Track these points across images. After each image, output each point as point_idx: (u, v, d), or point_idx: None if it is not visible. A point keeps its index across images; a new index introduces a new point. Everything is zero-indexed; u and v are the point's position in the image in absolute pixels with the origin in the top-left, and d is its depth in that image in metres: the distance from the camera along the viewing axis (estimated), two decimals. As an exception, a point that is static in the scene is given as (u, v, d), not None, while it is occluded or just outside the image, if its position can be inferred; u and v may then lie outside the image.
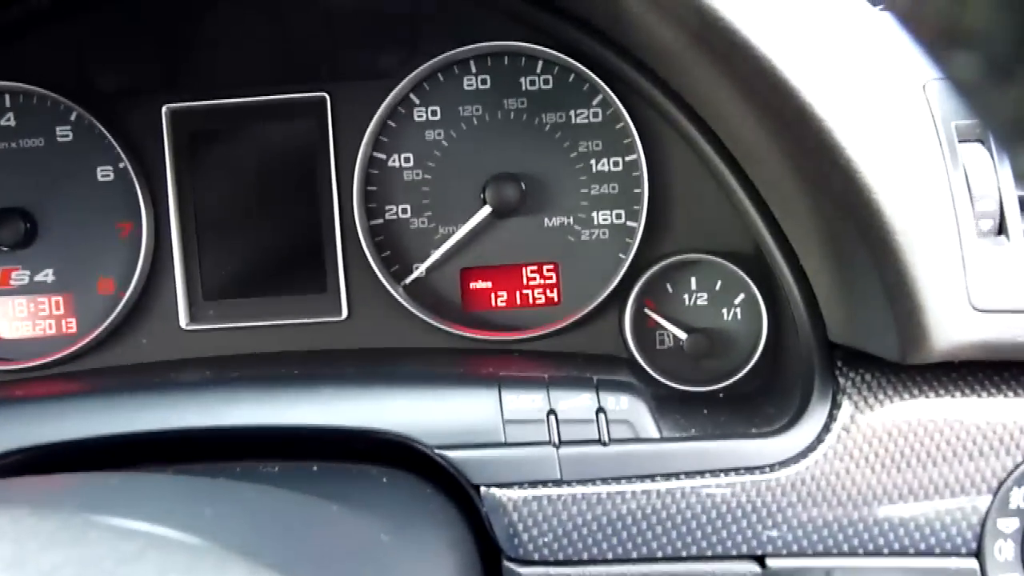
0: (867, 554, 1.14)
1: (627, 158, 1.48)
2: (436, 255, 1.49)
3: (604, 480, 1.16)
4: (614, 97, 1.43)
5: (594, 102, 1.48)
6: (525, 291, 1.51)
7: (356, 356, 1.48)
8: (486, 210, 1.47)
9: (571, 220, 1.50)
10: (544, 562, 1.15)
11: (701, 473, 1.16)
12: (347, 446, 1.17)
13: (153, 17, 1.51)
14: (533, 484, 1.16)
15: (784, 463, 1.16)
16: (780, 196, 1.24)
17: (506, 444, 1.17)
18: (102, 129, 1.48)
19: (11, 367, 1.51)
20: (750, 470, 1.16)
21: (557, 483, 1.16)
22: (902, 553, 1.14)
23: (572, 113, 1.48)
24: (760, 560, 1.15)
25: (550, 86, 1.48)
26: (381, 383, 1.25)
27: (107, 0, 1.49)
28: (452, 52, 1.45)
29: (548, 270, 1.51)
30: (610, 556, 1.15)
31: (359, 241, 1.48)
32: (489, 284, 1.52)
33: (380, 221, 1.51)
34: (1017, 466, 1.14)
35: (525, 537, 1.15)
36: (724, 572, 1.15)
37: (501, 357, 1.45)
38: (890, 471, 1.14)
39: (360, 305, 1.51)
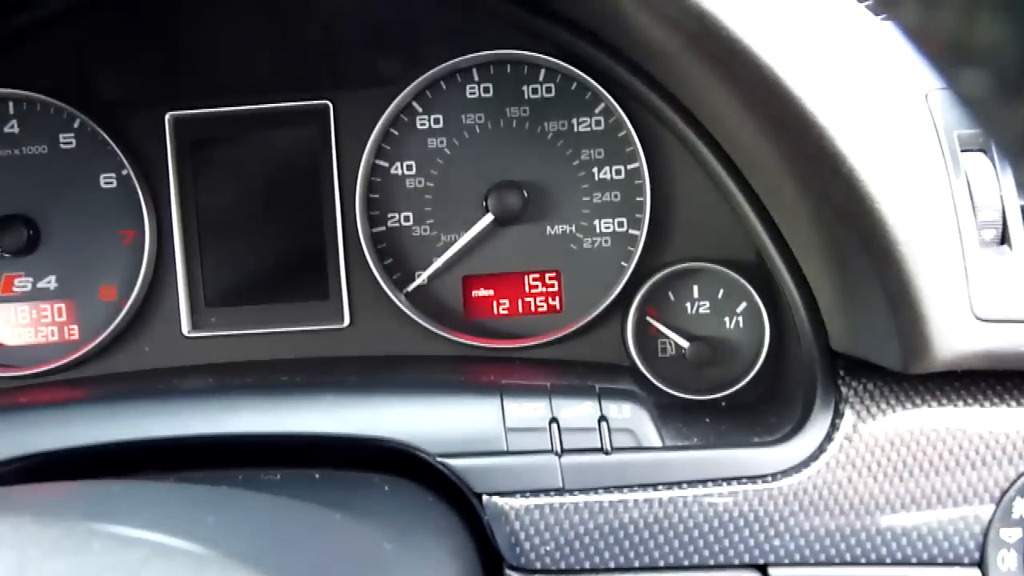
0: (869, 563, 1.14)
1: (629, 166, 1.48)
2: (438, 263, 1.49)
3: (606, 489, 1.16)
4: (616, 105, 1.44)
5: (596, 110, 1.48)
6: (527, 299, 1.51)
7: (358, 363, 1.48)
8: (488, 218, 1.47)
9: (573, 228, 1.50)
10: (546, 571, 1.15)
11: (703, 482, 1.16)
12: (349, 454, 1.17)
13: (156, 25, 1.52)
14: (535, 493, 1.16)
15: (786, 472, 1.16)
16: (782, 205, 1.24)
17: (508, 452, 1.16)
18: (105, 136, 1.48)
19: (13, 374, 1.51)
20: (752, 479, 1.16)
21: (559, 492, 1.16)
22: (905, 563, 1.14)
23: (574, 121, 1.49)
24: (762, 569, 1.15)
25: (552, 94, 1.49)
26: (383, 391, 1.25)
27: (111, 8, 1.50)
28: (455, 60, 1.45)
29: (550, 278, 1.51)
30: (612, 565, 1.15)
31: (361, 248, 1.48)
32: (491, 292, 1.52)
33: (382, 229, 1.51)
34: (1020, 476, 1.14)
35: (527, 546, 1.15)
36: (726, 581, 1.15)
37: (503, 365, 1.45)
38: (892, 480, 1.14)
39: (362, 312, 1.51)
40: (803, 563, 1.14)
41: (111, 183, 1.53)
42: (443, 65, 1.45)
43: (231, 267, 1.53)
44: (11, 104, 1.52)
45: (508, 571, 1.15)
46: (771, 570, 1.15)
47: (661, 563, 1.15)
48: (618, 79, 1.39)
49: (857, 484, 1.14)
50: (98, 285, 1.54)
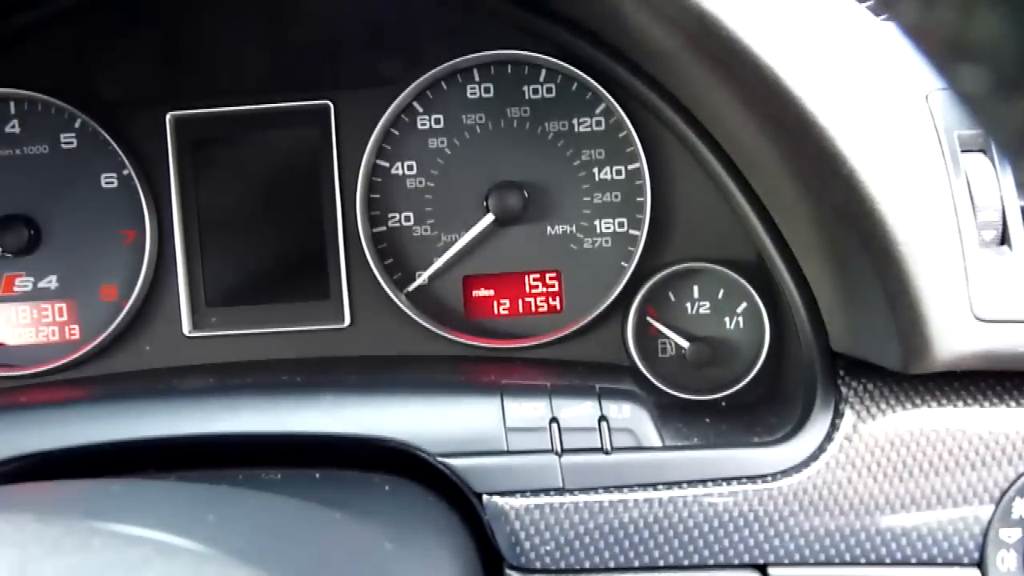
0: (869, 563, 1.14)
1: (630, 167, 1.48)
2: (439, 263, 1.50)
3: (606, 489, 1.16)
4: (617, 106, 1.44)
5: (597, 110, 1.48)
6: (527, 299, 1.52)
7: (358, 363, 1.49)
8: (489, 218, 1.48)
9: (574, 228, 1.50)
10: (546, 570, 1.15)
11: (703, 482, 1.16)
12: (350, 454, 1.17)
13: (157, 25, 1.52)
14: (535, 492, 1.16)
15: (786, 472, 1.16)
16: (782, 205, 1.24)
17: (508, 452, 1.17)
18: (106, 136, 1.48)
19: (14, 373, 1.51)
20: (752, 479, 1.16)
21: (559, 491, 1.16)
22: (904, 563, 1.14)
23: (575, 121, 1.49)
24: (762, 569, 1.15)
25: (553, 94, 1.49)
26: (383, 391, 1.25)
27: (111, 7, 1.50)
28: (455, 60, 1.46)
29: (551, 278, 1.51)
30: (612, 565, 1.15)
31: (362, 248, 1.48)
32: (491, 292, 1.52)
33: (383, 229, 1.52)
34: (1019, 476, 1.14)
35: (527, 545, 1.15)
36: (726, 581, 1.15)
37: (503, 365, 1.45)
38: (892, 480, 1.14)
39: (363, 312, 1.51)
40: (803, 563, 1.15)
41: (112, 183, 1.53)
42: (444, 65, 1.46)
43: (232, 267, 1.53)
44: (12, 104, 1.53)
45: (508, 571, 1.15)
46: (771, 570, 1.15)
47: (661, 563, 1.15)
48: (618, 79, 1.40)
49: (857, 484, 1.15)
50: (99, 285, 1.54)
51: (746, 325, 1.46)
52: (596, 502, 1.15)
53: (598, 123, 1.49)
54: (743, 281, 1.42)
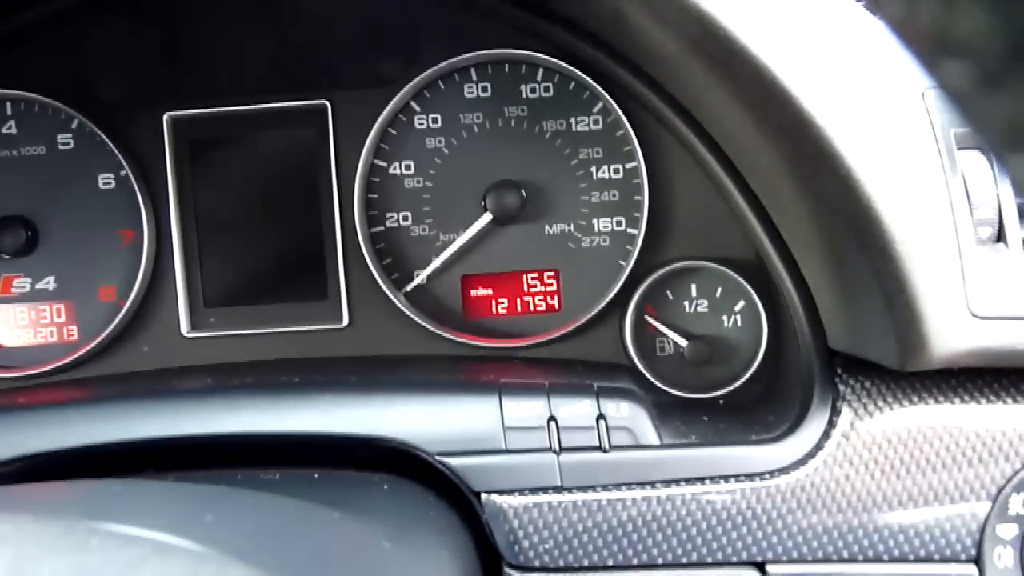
0: (867, 560, 1.15)
1: (627, 165, 1.49)
2: (437, 262, 1.50)
3: (604, 487, 1.16)
4: (614, 104, 1.44)
5: (594, 109, 1.48)
6: (526, 298, 1.52)
7: (357, 363, 1.49)
8: (487, 217, 1.48)
9: (572, 227, 1.50)
10: (545, 569, 1.16)
11: (701, 480, 1.16)
12: (348, 453, 1.18)
13: (155, 25, 1.52)
14: (534, 491, 1.16)
15: (784, 470, 1.16)
16: (779, 204, 1.24)
17: (507, 451, 1.17)
18: (103, 137, 1.49)
19: (12, 375, 1.51)
20: (750, 477, 1.16)
21: (558, 490, 1.16)
22: (902, 559, 1.14)
23: (572, 120, 1.49)
24: (760, 567, 1.15)
25: (550, 94, 1.49)
26: (382, 390, 1.25)
27: (109, 8, 1.50)
28: (453, 60, 1.46)
29: (549, 277, 1.51)
30: (610, 563, 1.15)
31: (360, 248, 1.48)
32: (490, 291, 1.52)
33: (381, 228, 1.52)
34: (1016, 472, 1.14)
35: (526, 544, 1.15)
36: (724, 579, 1.15)
37: (502, 364, 1.46)
38: (890, 478, 1.15)
39: (361, 312, 1.52)
40: (801, 560, 1.15)
41: (109, 184, 1.53)
42: (441, 65, 1.46)
43: (230, 267, 1.53)
44: (9, 105, 1.53)
45: (507, 569, 1.16)
46: (769, 567, 1.15)
47: (659, 561, 1.15)
48: (616, 79, 1.40)
49: (855, 481, 1.15)
50: (97, 286, 1.54)
51: (744, 324, 1.46)
52: (594, 500, 1.15)
53: (595, 122, 1.49)
54: (741, 280, 1.42)
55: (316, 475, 1.13)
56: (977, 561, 1.14)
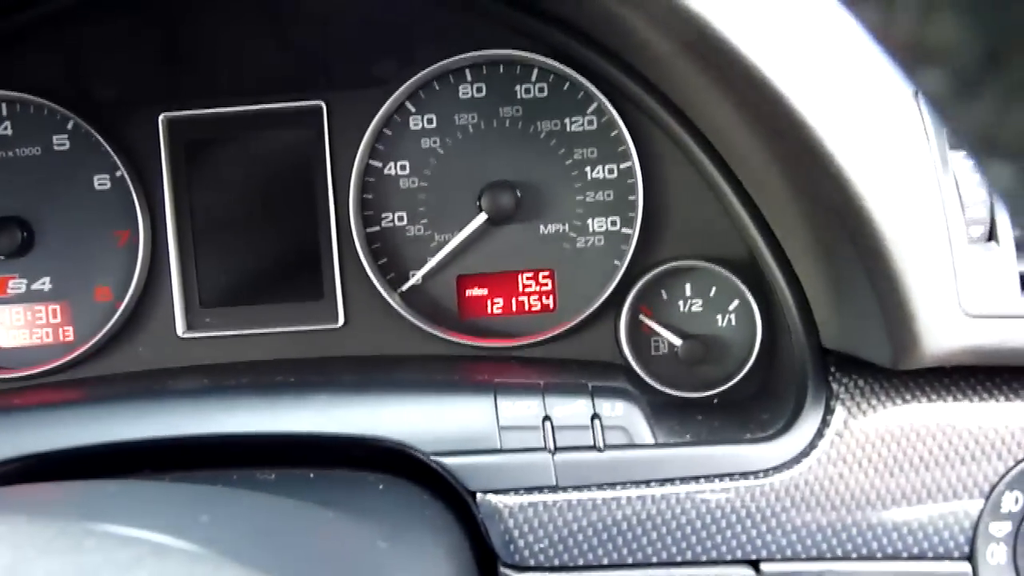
0: (860, 558, 1.15)
1: (622, 165, 1.49)
2: (432, 262, 1.50)
3: (599, 486, 1.16)
4: (608, 105, 1.44)
5: (589, 110, 1.49)
6: (521, 298, 1.52)
7: (353, 363, 1.49)
8: (482, 217, 1.48)
9: (566, 227, 1.51)
10: (540, 568, 1.16)
11: (696, 478, 1.17)
12: (344, 453, 1.18)
13: (150, 26, 1.52)
14: (529, 490, 1.16)
15: (778, 468, 1.17)
16: (773, 203, 1.25)
17: (502, 451, 1.17)
18: (99, 138, 1.49)
19: (8, 375, 1.51)
20: (744, 475, 1.17)
21: (553, 489, 1.16)
22: (895, 557, 1.15)
23: (567, 121, 1.49)
24: (755, 565, 1.16)
25: (545, 94, 1.49)
26: (377, 390, 1.26)
27: (104, 9, 1.50)
28: (447, 60, 1.46)
29: (544, 277, 1.52)
30: (605, 562, 1.16)
31: (355, 248, 1.49)
32: (485, 291, 1.53)
33: (376, 228, 1.52)
34: (1009, 470, 1.15)
35: (521, 543, 1.15)
36: (719, 577, 1.16)
37: (497, 364, 1.46)
38: (883, 476, 1.15)
39: (357, 312, 1.52)
40: (795, 558, 1.15)
41: (105, 184, 1.53)
42: (436, 65, 1.46)
43: (225, 268, 1.53)
44: (4, 105, 1.53)
45: (502, 568, 1.16)
46: (763, 565, 1.15)
47: (654, 559, 1.16)
48: (610, 79, 1.40)
49: (848, 480, 1.15)
50: (93, 286, 1.54)
51: (738, 323, 1.47)
52: (589, 499, 1.16)
53: (590, 122, 1.49)
54: (735, 279, 1.43)
55: (312, 475, 1.13)
56: (970, 558, 1.15)
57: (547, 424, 1.18)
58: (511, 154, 1.50)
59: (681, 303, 1.48)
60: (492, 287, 1.53)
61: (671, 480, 1.17)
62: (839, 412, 1.17)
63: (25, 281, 1.55)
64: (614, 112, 1.44)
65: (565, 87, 1.48)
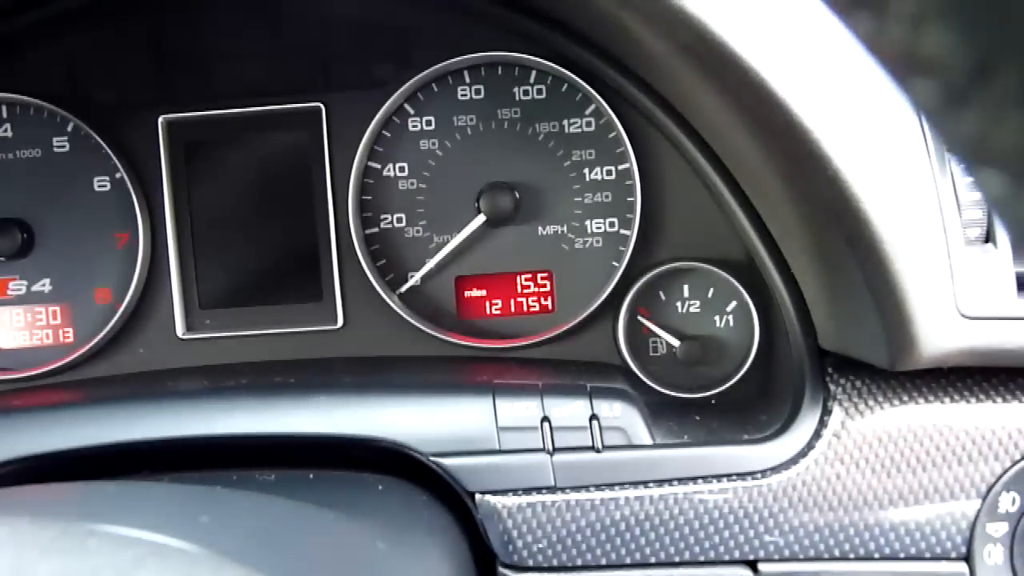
0: (858, 558, 1.15)
1: (620, 167, 1.49)
2: (431, 264, 1.50)
3: (598, 487, 1.17)
4: (606, 107, 1.45)
5: (587, 111, 1.49)
6: (519, 299, 1.52)
7: (352, 364, 1.49)
8: (480, 219, 1.48)
9: (565, 228, 1.51)
10: (539, 568, 1.16)
11: (694, 479, 1.17)
12: (343, 454, 1.18)
13: (150, 29, 1.53)
14: (527, 491, 1.17)
15: (776, 469, 1.17)
16: (770, 205, 1.25)
17: (501, 451, 1.18)
18: (99, 140, 1.49)
19: (8, 377, 1.52)
20: (742, 476, 1.17)
21: (551, 490, 1.17)
22: (892, 557, 1.15)
23: (565, 122, 1.50)
24: (752, 565, 1.16)
25: (543, 96, 1.50)
26: (376, 391, 1.26)
27: (104, 12, 1.51)
28: (446, 63, 1.46)
29: (542, 278, 1.52)
30: (604, 562, 1.16)
31: (354, 250, 1.49)
32: (484, 292, 1.53)
33: (375, 230, 1.52)
34: (1006, 471, 1.15)
35: (520, 544, 1.16)
36: (717, 577, 1.16)
37: (495, 365, 1.46)
38: (880, 476, 1.15)
39: (356, 314, 1.52)
40: (793, 558, 1.16)
41: (105, 186, 1.54)
42: (434, 67, 1.46)
43: (225, 269, 1.54)
44: (4, 108, 1.53)
45: (501, 569, 1.16)
46: (761, 566, 1.16)
47: (652, 559, 1.16)
48: (608, 81, 1.41)
49: (846, 480, 1.16)
50: (93, 288, 1.55)
51: (736, 324, 1.47)
52: (588, 500, 1.16)
53: (588, 124, 1.50)
54: (733, 280, 1.43)
55: (311, 476, 1.14)
56: (967, 559, 1.15)
57: (546, 425, 1.19)
58: (509, 156, 1.50)
59: (679, 304, 1.48)
60: (491, 288, 1.53)
61: (669, 481, 1.17)
62: (836, 413, 1.18)
63: (25, 283, 1.55)
64: (612, 114, 1.45)
65: (563, 89, 1.49)
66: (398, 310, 1.49)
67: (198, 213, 1.52)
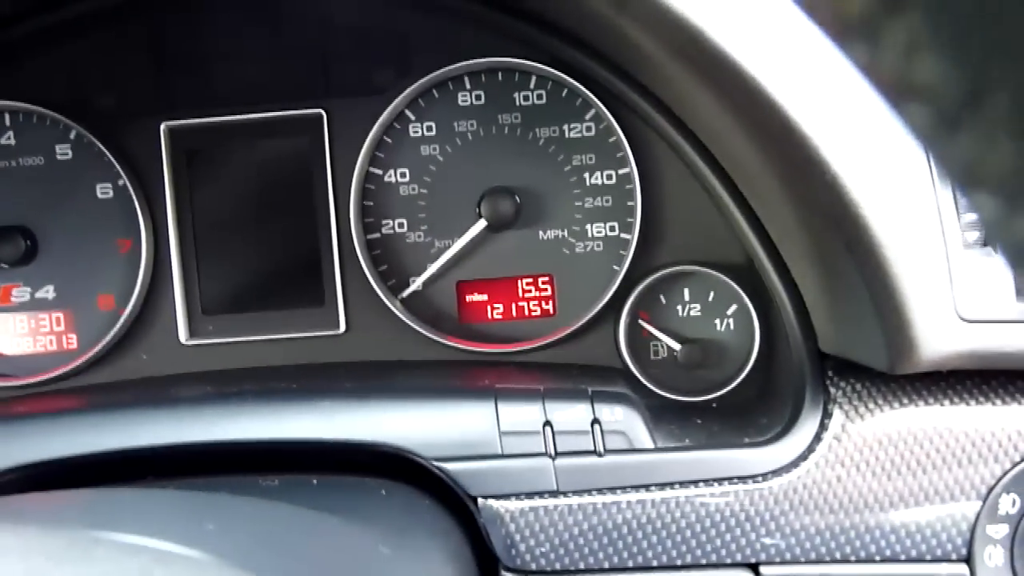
0: (859, 561, 1.16)
1: (620, 171, 1.50)
2: (432, 268, 1.51)
3: (600, 490, 1.17)
4: (606, 111, 1.45)
5: (587, 116, 1.50)
6: (521, 303, 1.53)
7: (354, 369, 1.50)
8: (481, 224, 1.49)
9: (565, 233, 1.52)
10: (541, 572, 1.17)
11: (695, 482, 1.18)
12: (346, 459, 1.19)
13: (151, 36, 1.53)
14: (530, 495, 1.17)
15: (777, 472, 1.17)
16: (769, 208, 1.26)
17: (503, 456, 1.18)
18: (101, 147, 1.50)
19: (12, 383, 1.52)
20: (743, 479, 1.17)
21: (553, 494, 1.17)
22: (893, 559, 1.16)
23: (565, 127, 1.50)
24: (754, 568, 1.17)
25: (543, 101, 1.50)
26: (379, 396, 1.26)
27: (105, 20, 1.51)
28: (446, 68, 1.47)
29: (543, 282, 1.53)
30: (606, 565, 1.17)
31: (356, 255, 1.50)
32: (485, 297, 1.54)
33: (377, 235, 1.53)
34: (1006, 473, 1.15)
35: (522, 547, 1.16)
36: (718, 580, 1.17)
37: (497, 369, 1.47)
38: (881, 479, 1.16)
39: (358, 318, 1.53)
40: (794, 561, 1.16)
41: (107, 193, 1.54)
42: (435, 73, 1.47)
43: (228, 275, 1.54)
44: (7, 116, 1.54)
45: (504, 572, 1.17)
46: (763, 569, 1.16)
47: (654, 563, 1.16)
48: (608, 86, 1.41)
49: (846, 483, 1.16)
50: (96, 294, 1.55)
51: (736, 327, 1.48)
52: (590, 504, 1.17)
53: (588, 129, 1.50)
54: (733, 284, 1.44)
55: (314, 481, 1.14)
56: (968, 561, 1.15)
57: (548, 429, 1.19)
58: (510, 161, 1.51)
59: (680, 308, 1.49)
60: (492, 293, 1.54)
61: (671, 484, 1.18)
62: (837, 416, 1.18)
63: (29, 289, 1.56)
64: (612, 118, 1.45)
65: (563, 94, 1.49)
66: (400, 315, 1.50)
67: (200, 219, 1.53)
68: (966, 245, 1.09)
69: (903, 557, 1.16)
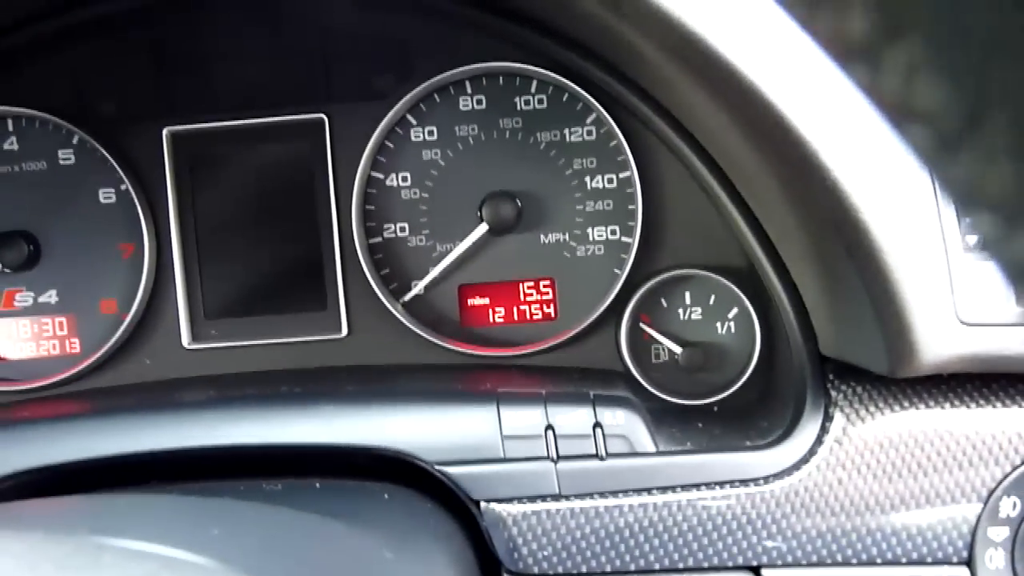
0: (860, 564, 1.16)
1: (621, 175, 1.50)
2: (434, 272, 1.51)
3: (602, 494, 1.18)
4: (607, 115, 1.46)
5: (588, 120, 1.50)
6: (522, 307, 1.53)
7: (356, 373, 1.50)
8: (483, 228, 1.49)
9: (567, 236, 1.52)
10: (544, 575, 1.17)
11: (697, 486, 1.18)
12: (349, 463, 1.19)
13: (153, 41, 1.54)
14: (532, 499, 1.18)
15: (778, 475, 1.18)
16: (769, 212, 1.26)
17: (505, 459, 1.18)
18: (103, 152, 1.50)
19: (15, 388, 1.52)
20: (745, 482, 1.18)
21: (556, 497, 1.18)
22: (895, 562, 1.16)
23: (566, 131, 1.51)
24: (756, 571, 1.17)
25: (544, 105, 1.51)
26: (381, 400, 1.27)
27: (108, 25, 1.52)
28: (448, 73, 1.47)
29: (545, 286, 1.53)
30: (608, 569, 1.17)
31: (358, 259, 1.50)
32: (487, 300, 1.54)
33: (379, 239, 1.53)
34: (1006, 475, 1.16)
35: (525, 551, 1.17)
36: (720, 583, 1.17)
37: (499, 373, 1.47)
38: (882, 482, 1.16)
39: (360, 322, 1.53)
40: (796, 564, 1.17)
41: (110, 198, 1.55)
42: (436, 78, 1.47)
43: (230, 279, 1.55)
44: (10, 121, 1.54)
45: (506, 576, 1.17)
46: (764, 571, 1.17)
47: (656, 566, 1.17)
48: (608, 90, 1.42)
49: (847, 486, 1.17)
50: (99, 299, 1.56)
51: (737, 330, 1.48)
52: (592, 507, 1.17)
53: (589, 133, 1.51)
54: (734, 287, 1.44)
55: (318, 485, 1.15)
56: (969, 563, 1.16)
57: (550, 433, 1.20)
58: (511, 165, 1.51)
59: (681, 311, 1.49)
60: (493, 296, 1.54)
61: (672, 488, 1.18)
62: (838, 419, 1.18)
63: (32, 294, 1.56)
64: (612, 122, 1.46)
65: (564, 98, 1.50)
66: (402, 319, 1.50)
67: (203, 223, 1.53)
68: (966, 249, 1.09)
69: (904, 560, 1.16)
